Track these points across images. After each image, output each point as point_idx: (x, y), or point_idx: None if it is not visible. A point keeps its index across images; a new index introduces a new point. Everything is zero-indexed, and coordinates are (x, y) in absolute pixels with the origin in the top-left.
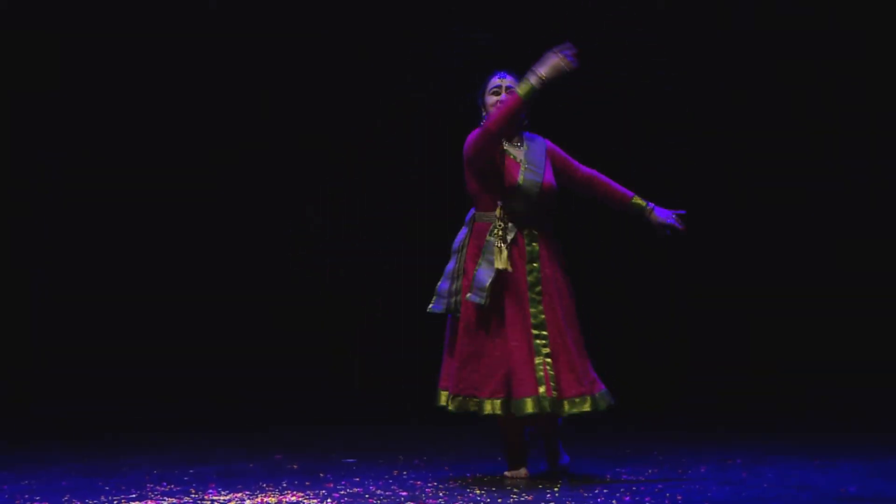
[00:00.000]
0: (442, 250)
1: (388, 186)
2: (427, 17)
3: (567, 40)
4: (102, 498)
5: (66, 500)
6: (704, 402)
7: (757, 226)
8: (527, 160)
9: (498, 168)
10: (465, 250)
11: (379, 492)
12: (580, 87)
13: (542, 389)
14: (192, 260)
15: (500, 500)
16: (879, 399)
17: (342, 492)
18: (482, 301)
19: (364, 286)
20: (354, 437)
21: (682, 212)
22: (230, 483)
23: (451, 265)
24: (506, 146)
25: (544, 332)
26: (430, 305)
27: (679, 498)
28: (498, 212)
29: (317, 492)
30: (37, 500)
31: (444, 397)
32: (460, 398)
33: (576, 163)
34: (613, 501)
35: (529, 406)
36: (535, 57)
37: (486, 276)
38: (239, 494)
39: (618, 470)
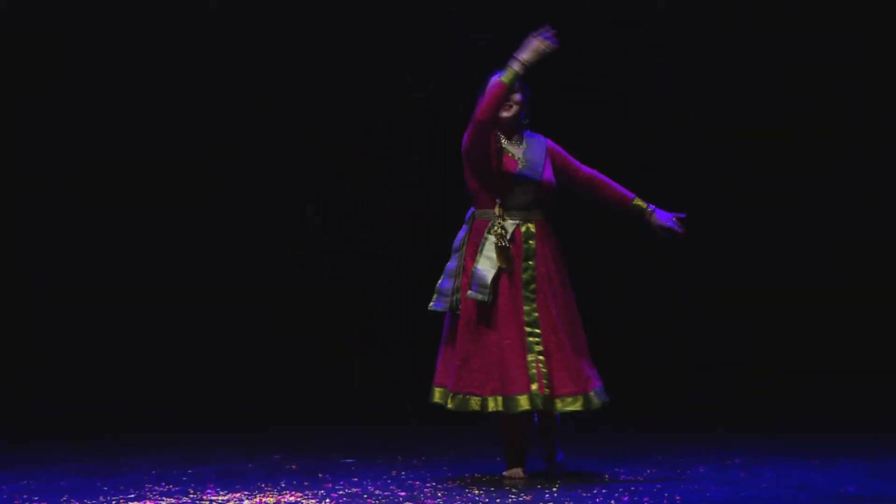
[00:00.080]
0: (442, 250)
1: (388, 186)
2: (427, 17)
3: (546, 24)
4: (101, 498)
5: (64, 500)
6: (704, 403)
7: (757, 226)
8: (525, 157)
9: (496, 165)
10: (464, 248)
11: (377, 492)
12: (580, 88)
13: (534, 387)
14: (192, 260)
15: (498, 500)
16: (879, 399)
17: (340, 492)
18: (484, 298)
19: (364, 286)
20: (354, 437)
21: (682, 215)
22: (229, 483)
23: (451, 264)
24: (505, 144)
25: (537, 330)
26: (431, 304)
27: (678, 498)
28: (496, 209)
29: (315, 492)
30: (35, 500)
31: (438, 394)
32: (461, 396)
33: (577, 163)
34: (612, 501)
35: (522, 403)
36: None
37: (487, 273)
38: (237, 495)
39: (616, 470)
